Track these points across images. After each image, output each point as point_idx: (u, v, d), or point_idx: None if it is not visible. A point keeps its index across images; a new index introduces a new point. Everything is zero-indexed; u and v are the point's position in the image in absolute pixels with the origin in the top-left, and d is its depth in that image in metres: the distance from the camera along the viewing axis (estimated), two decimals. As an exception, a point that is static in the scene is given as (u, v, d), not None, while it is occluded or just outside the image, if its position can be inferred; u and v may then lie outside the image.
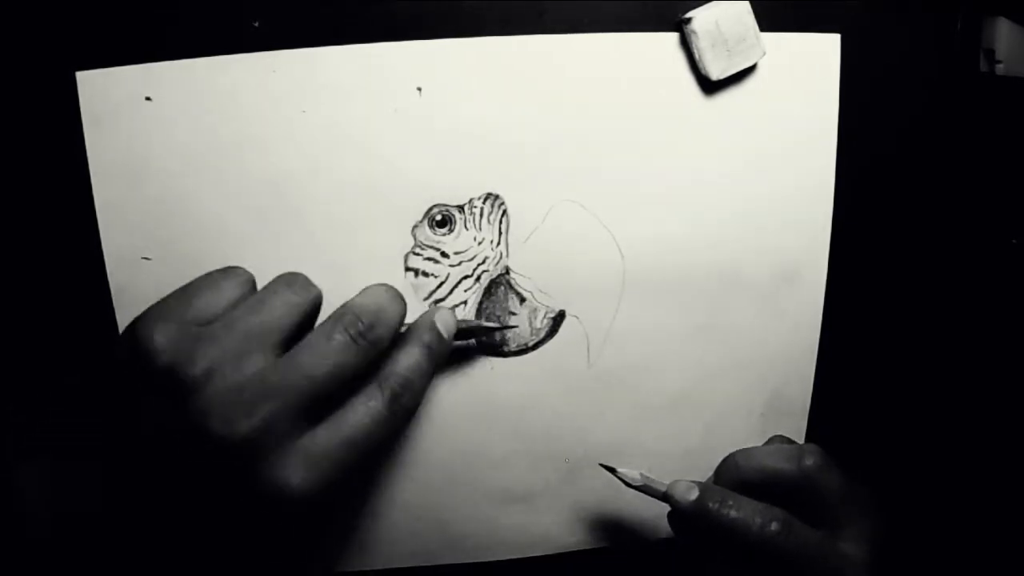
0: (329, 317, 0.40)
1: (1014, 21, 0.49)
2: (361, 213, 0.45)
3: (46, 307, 0.46)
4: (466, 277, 0.47)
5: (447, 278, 0.47)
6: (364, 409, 0.38)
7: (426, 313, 0.44)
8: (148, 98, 0.44)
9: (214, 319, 0.39)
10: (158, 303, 0.39)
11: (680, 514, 0.46)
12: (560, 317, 0.48)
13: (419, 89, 0.45)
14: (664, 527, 0.48)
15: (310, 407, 0.37)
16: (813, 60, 0.48)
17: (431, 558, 0.51)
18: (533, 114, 0.46)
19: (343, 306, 0.40)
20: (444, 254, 0.47)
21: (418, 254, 0.46)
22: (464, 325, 0.45)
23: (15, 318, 0.46)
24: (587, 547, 0.52)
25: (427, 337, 0.42)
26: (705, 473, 0.50)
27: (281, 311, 0.39)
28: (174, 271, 0.45)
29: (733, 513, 0.44)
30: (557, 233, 0.47)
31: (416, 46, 0.44)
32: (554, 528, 0.51)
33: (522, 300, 0.48)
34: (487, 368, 0.48)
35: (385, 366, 0.40)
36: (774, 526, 0.44)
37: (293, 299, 0.40)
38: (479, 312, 0.48)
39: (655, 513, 0.51)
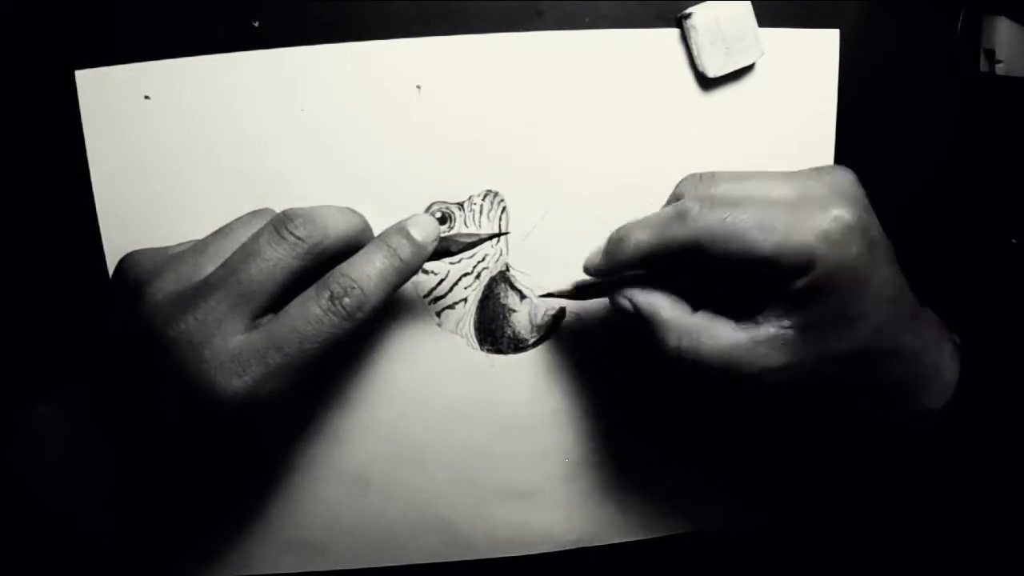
0: (270, 218, 0.39)
1: (1014, 21, 0.49)
2: (361, 211, 0.45)
3: (46, 305, 0.46)
4: (466, 275, 0.47)
5: (447, 275, 0.47)
6: (298, 310, 0.37)
7: (399, 221, 0.41)
8: (147, 97, 0.44)
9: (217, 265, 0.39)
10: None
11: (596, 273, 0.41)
12: (560, 314, 0.48)
13: (418, 87, 0.45)
14: (664, 524, 0.48)
15: (244, 306, 0.37)
16: (812, 56, 0.47)
17: (431, 555, 0.51)
18: (532, 111, 0.46)
19: (332, 273, 0.39)
20: (444, 252, 0.47)
21: (418, 252, 0.46)
22: (453, 237, 0.43)
23: (15, 317, 0.46)
24: (588, 544, 0.52)
25: (394, 241, 0.40)
26: (710, 470, 0.51)
27: (243, 235, 0.39)
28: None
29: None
30: (557, 230, 0.47)
31: (415, 44, 0.44)
32: (555, 526, 0.51)
33: (522, 297, 0.48)
34: (487, 365, 0.48)
35: (333, 270, 0.39)
36: (669, 340, 0.39)
37: (255, 221, 0.40)
38: (480, 309, 0.48)
39: (657, 509, 0.51)
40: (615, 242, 0.39)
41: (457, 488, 0.50)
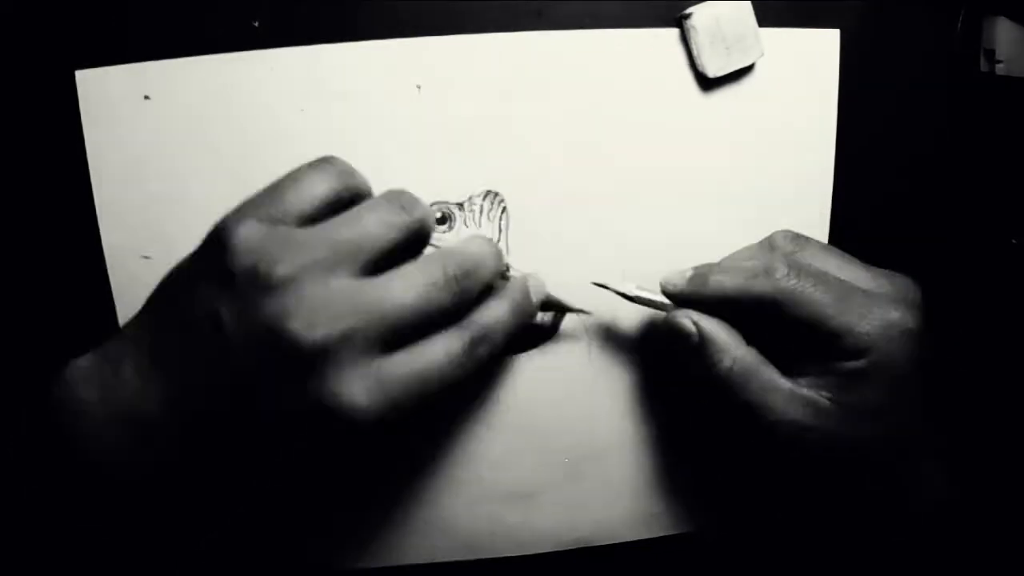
0: (432, 254, 0.38)
1: (1014, 21, 0.48)
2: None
3: (47, 306, 0.46)
4: (466, 275, 0.47)
5: (447, 276, 0.47)
6: (443, 347, 0.37)
7: (520, 275, 0.43)
8: (147, 97, 0.44)
9: (305, 219, 0.37)
10: (247, 201, 0.38)
11: (676, 299, 0.44)
12: (560, 315, 0.48)
13: (418, 87, 0.45)
14: (664, 524, 0.48)
15: (391, 334, 0.36)
16: (812, 56, 0.47)
17: (432, 555, 0.51)
18: (532, 111, 0.46)
19: (444, 248, 0.39)
20: (444, 252, 0.47)
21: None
22: (550, 298, 0.45)
23: (15, 317, 0.46)
24: (589, 544, 0.52)
25: (518, 296, 0.41)
26: (710, 470, 0.51)
27: (377, 230, 0.37)
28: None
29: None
30: (557, 230, 0.47)
31: (415, 43, 0.44)
32: (556, 526, 0.51)
33: (522, 298, 0.48)
34: (488, 366, 0.48)
35: (472, 313, 0.39)
36: (724, 362, 0.42)
37: (391, 219, 0.38)
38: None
39: (659, 510, 0.51)
40: (699, 276, 0.42)
41: (457, 488, 0.50)
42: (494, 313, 0.40)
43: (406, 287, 0.36)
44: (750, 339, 0.42)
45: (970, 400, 0.52)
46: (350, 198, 0.39)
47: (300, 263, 0.35)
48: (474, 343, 0.38)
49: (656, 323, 0.49)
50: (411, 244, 0.39)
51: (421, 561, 0.51)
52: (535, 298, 0.43)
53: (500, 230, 0.47)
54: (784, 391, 0.40)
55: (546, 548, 0.51)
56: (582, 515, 0.51)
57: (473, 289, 0.39)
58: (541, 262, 0.47)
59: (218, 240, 0.36)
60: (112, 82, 0.43)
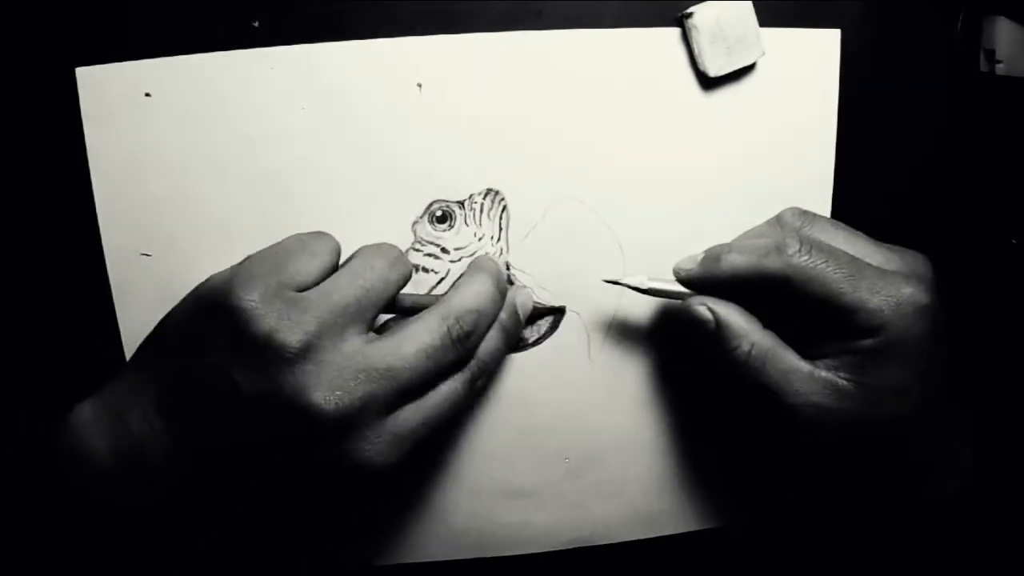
0: (434, 311, 0.40)
1: (1014, 21, 0.48)
2: (361, 209, 0.45)
3: (46, 303, 0.46)
4: (466, 273, 0.47)
5: (447, 274, 0.47)
6: (447, 390, 0.40)
7: (509, 294, 0.44)
8: (148, 94, 0.43)
9: (306, 286, 0.39)
10: (248, 264, 0.39)
11: (690, 283, 0.44)
12: (559, 314, 0.48)
13: (419, 85, 0.45)
14: (665, 523, 0.48)
15: (403, 393, 0.38)
16: (813, 56, 0.47)
17: (431, 554, 0.51)
18: (533, 110, 0.46)
19: (449, 303, 0.40)
20: (444, 250, 0.47)
21: (418, 250, 0.46)
22: (537, 307, 0.47)
23: (15, 315, 0.46)
24: (589, 544, 0.52)
25: (507, 320, 0.43)
26: (710, 469, 0.51)
27: (379, 287, 0.39)
28: (174, 267, 0.45)
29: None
30: (557, 229, 0.47)
31: (416, 42, 0.44)
32: (555, 525, 0.51)
33: (522, 296, 0.48)
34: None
35: None
36: (742, 347, 0.41)
37: (390, 274, 0.40)
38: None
39: (656, 509, 0.51)
40: (711, 258, 0.42)
41: (457, 488, 0.50)
42: (490, 346, 0.42)
43: (416, 351, 0.38)
44: (766, 322, 0.42)
45: (969, 401, 0.52)
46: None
47: (314, 330, 0.36)
48: (474, 379, 0.41)
49: (658, 320, 0.49)
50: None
51: (421, 560, 0.51)
52: (523, 315, 0.45)
53: (500, 228, 0.47)
54: (803, 373, 0.40)
55: (546, 547, 0.51)
56: (582, 515, 0.51)
57: (477, 343, 0.41)
58: (541, 261, 0.47)
59: (227, 304, 0.37)
60: (112, 80, 0.43)
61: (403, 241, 0.46)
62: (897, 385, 0.39)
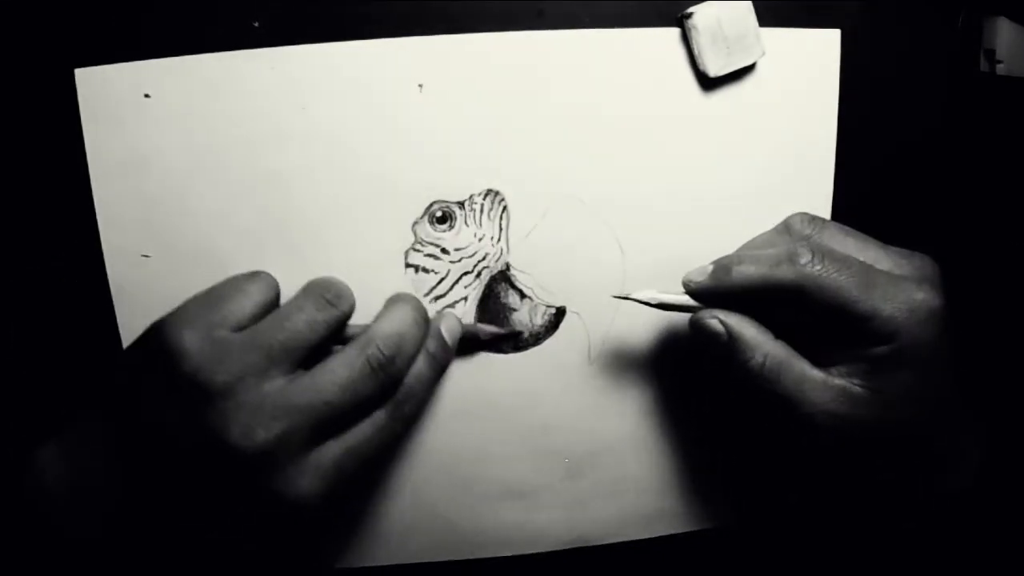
0: (354, 343, 0.41)
1: (1014, 21, 0.48)
2: (361, 210, 0.45)
3: (46, 304, 0.46)
4: (466, 273, 0.47)
5: (447, 274, 0.47)
6: (370, 421, 0.41)
7: (432, 320, 0.45)
8: (147, 95, 0.43)
9: (240, 326, 0.40)
10: (186, 305, 0.41)
11: (700, 295, 0.43)
12: (560, 313, 0.48)
13: (420, 86, 0.44)
14: (665, 523, 0.48)
15: (323, 427, 0.39)
16: (813, 56, 0.47)
17: (430, 554, 0.51)
18: (533, 110, 0.45)
19: (368, 333, 0.41)
20: (444, 250, 0.47)
21: (418, 250, 0.46)
22: (468, 331, 0.46)
23: (14, 316, 0.46)
24: (589, 544, 0.52)
25: (432, 346, 0.43)
26: (710, 469, 0.51)
27: (305, 330, 0.41)
28: (173, 268, 0.45)
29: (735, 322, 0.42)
30: (558, 229, 0.47)
31: (417, 42, 0.44)
32: (553, 525, 0.51)
33: (522, 296, 0.48)
34: (487, 364, 0.48)
35: None
36: (755, 358, 0.41)
37: (317, 317, 0.41)
38: (480, 308, 0.48)
39: (656, 509, 0.51)
40: (721, 269, 0.42)
41: (457, 488, 0.50)
42: (416, 372, 0.42)
43: (334, 385, 0.39)
44: (777, 331, 0.42)
45: (970, 401, 0.52)
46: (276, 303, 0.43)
47: (236, 371, 0.38)
48: (397, 406, 0.42)
49: (659, 322, 0.49)
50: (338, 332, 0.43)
51: (421, 561, 0.51)
52: (450, 341, 0.45)
53: (500, 228, 0.47)
54: (817, 382, 0.40)
55: (545, 547, 0.51)
56: (581, 515, 0.51)
57: (398, 372, 0.41)
58: (541, 261, 0.47)
59: (160, 346, 0.39)
60: (112, 80, 0.43)
61: (403, 242, 0.46)
62: (911, 390, 0.39)
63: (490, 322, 0.48)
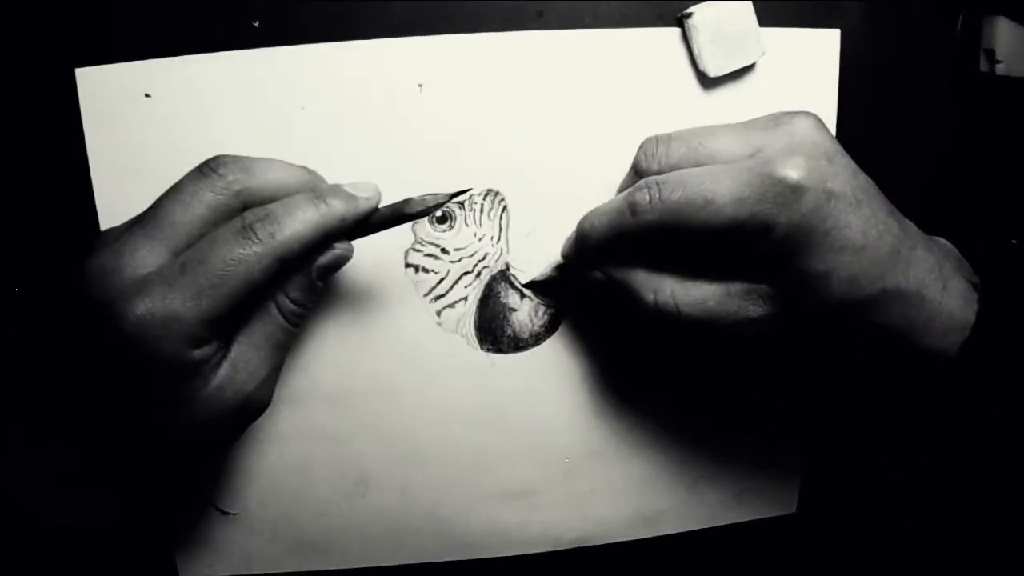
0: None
1: (1014, 21, 0.48)
2: (361, 210, 0.45)
3: (46, 305, 0.46)
4: (466, 273, 0.47)
5: (447, 274, 0.47)
6: (209, 236, 0.37)
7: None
8: (148, 95, 0.43)
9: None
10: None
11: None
12: (560, 314, 0.48)
13: (420, 85, 0.44)
14: (664, 525, 0.47)
15: (163, 240, 0.37)
16: (813, 56, 0.47)
17: (429, 554, 0.51)
18: (533, 110, 0.46)
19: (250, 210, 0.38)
20: (444, 250, 0.47)
21: (418, 250, 0.46)
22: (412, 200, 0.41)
23: (14, 314, 0.46)
24: (588, 544, 0.52)
25: (325, 190, 0.39)
26: (707, 466, 0.51)
27: (189, 208, 0.38)
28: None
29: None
30: (557, 229, 0.46)
31: (417, 42, 0.44)
32: (553, 525, 0.51)
33: (522, 296, 0.48)
34: (487, 365, 0.48)
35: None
36: (646, 296, 0.40)
37: (208, 198, 0.38)
38: (480, 308, 0.48)
39: (656, 509, 0.51)
40: (581, 231, 0.41)
41: (457, 488, 0.50)
42: (279, 201, 0.38)
43: (168, 195, 0.38)
44: (666, 266, 0.40)
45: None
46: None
47: (125, 252, 0.37)
48: (245, 224, 0.37)
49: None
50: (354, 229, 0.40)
51: (421, 561, 0.51)
52: (352, 191, 0.39)
53: (500, 228, 0.47)
54: (718, 294, 0.38)
55: (545, 548, 0.51)
56: (581, 515, 0.51)
57: (249, 191, 0.38)
58: (541, 261, 0.47)
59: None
60: (112, 80, 0.43)
61: (403, 242, 0.46)
62: (809, 274, 0.36)
63: (490, 322, 0.48)
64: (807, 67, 0.47)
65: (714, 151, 0.39)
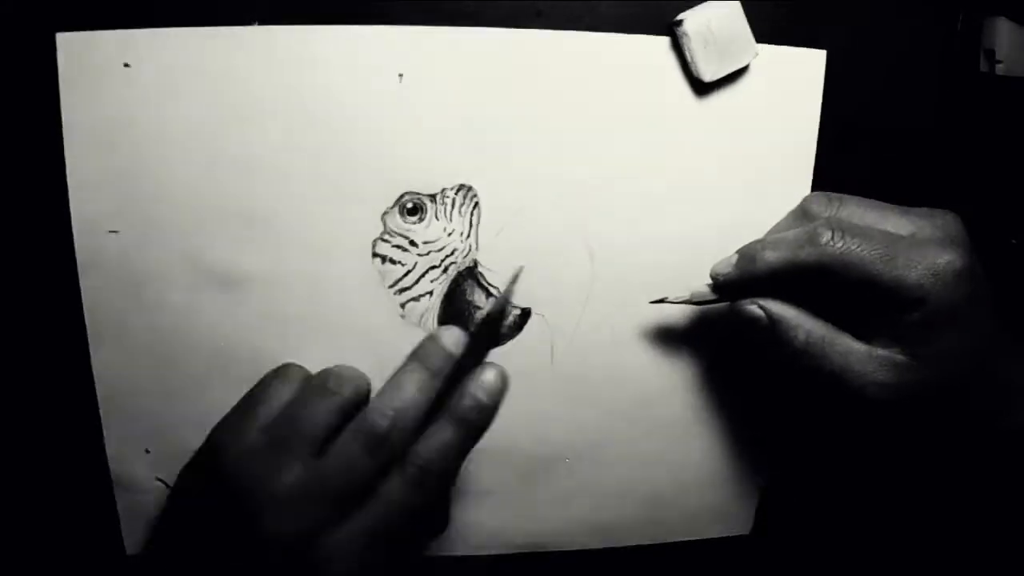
0: (352, 422, 0.41)
1: (1014, 21, 0.48)
2: (332, 195, 0.45)
3: (11, 273, 0.45)
4: (433, 267, 0.46)
5: (414, 267, 0.46)
6: (384, 499, 0.40)
7: (468, 380, 0.41)
8: (127, 64, 0.43)
9: (266, 426, 0.42)
10: (228, 413, 0.44)
11: (729, 287, 0.44)
12: (525, 315, 0.47)
13: (400, 75, 0.44)
14: (616, 537, 0.47)
15: (343, 508, 0.40)
16: (798, 75, 0.47)
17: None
18: (514, 109, 0.45)
19: (363, 410, 0.41)
20: (413, 242, 0.46)
21: (387, 241, 0.46)
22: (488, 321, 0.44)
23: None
24: (540, 550, 0.51)
25: (463, 408, 0.41)
26: (663, 483, 0.50)
27: (309, 420, 0.41)
28: (141, 245, 0.44)
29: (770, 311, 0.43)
30: (529, 230, 0.46)
31: (400, 31, 0.44)
32: (506, 528, 0.51)
33: (488, 295, 0.47)
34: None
35: (415, 444, 0.41)
36: (798, 336, 0.42)
37: (319, 406, 0.42)
38: (444, 304, 0.47)
39: (609, 521, 0.51)
40: (746, 258, 0.43)
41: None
42: (434, 441, 0.40)
43: (335, 469, 0.40)
44: (814, 312, 0.42)
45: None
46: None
47: (259, 471, 0.40)
48: (416, 483, 0.40)
49: (626, 325, 0.48)
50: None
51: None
52: (487, 398, 0.41)
53: (471, 225, 0.46)
54: (862, 354, 0.41)
55: (495, 550, 0.51)
56: (533, 520, 0.51)
57: (398, 444, 0.40)
58: (510, 261, 0.46)
59: (210, 452, 0.43)
60: (93, 47, 0.42)
61: (372, 230, 0.45)
62: (951, 349, 0.40)
63: (455, 319, 0.47)
64: (792, 85, 0.47)
65: (883, 223, 0.42)
